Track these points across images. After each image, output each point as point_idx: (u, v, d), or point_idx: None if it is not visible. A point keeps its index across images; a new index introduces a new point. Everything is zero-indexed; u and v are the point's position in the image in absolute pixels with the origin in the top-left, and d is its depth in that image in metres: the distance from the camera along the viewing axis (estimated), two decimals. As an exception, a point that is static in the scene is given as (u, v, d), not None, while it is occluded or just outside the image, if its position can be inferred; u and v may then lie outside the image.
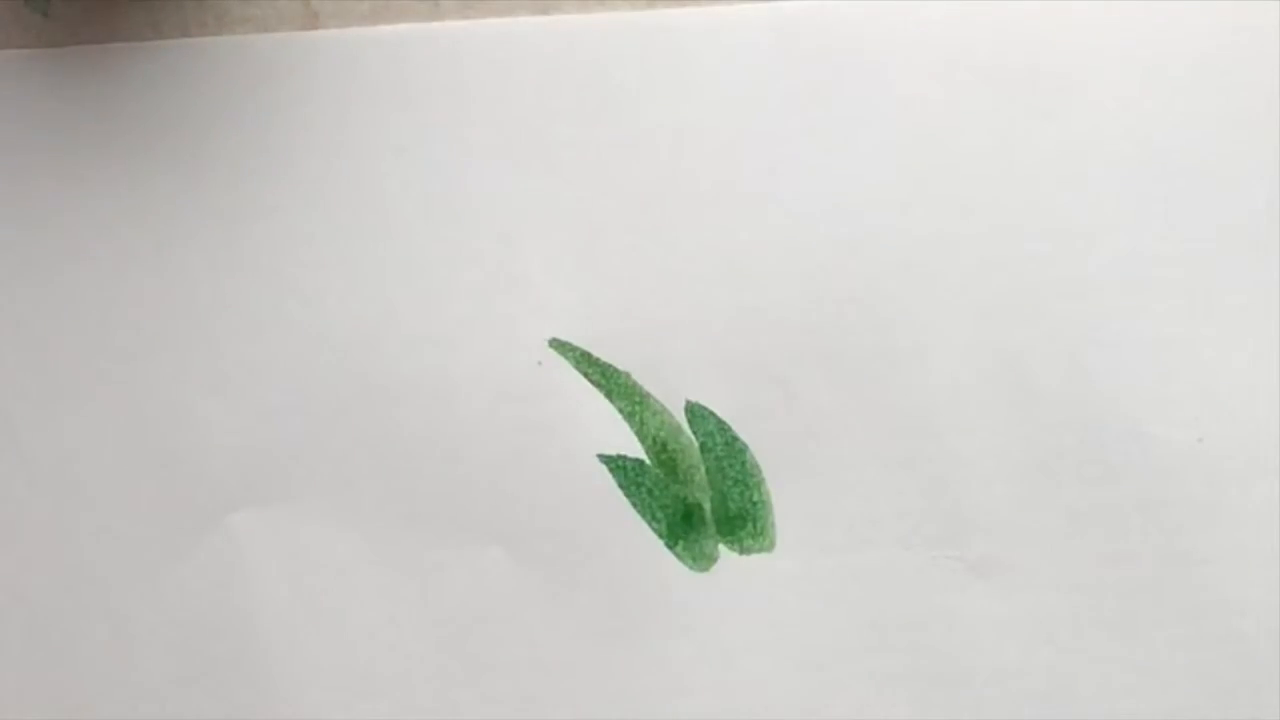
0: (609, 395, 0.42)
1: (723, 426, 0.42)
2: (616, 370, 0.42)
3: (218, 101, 0.42)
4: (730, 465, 0.42)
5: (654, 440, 0.42)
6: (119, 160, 0.42)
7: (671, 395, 0.42)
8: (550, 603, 0.42)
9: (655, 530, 0.42)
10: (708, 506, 0.42)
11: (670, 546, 0.42)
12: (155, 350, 0.43)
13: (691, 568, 0.42)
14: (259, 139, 0.42)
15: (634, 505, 0.42)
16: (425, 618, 0.42)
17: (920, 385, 0.41)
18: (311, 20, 0.42)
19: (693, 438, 0.42)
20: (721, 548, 0.42)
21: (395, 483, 0.42)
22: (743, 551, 0.42)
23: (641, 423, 0.42)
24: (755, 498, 0.42)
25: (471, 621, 0.42)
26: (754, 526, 0.42)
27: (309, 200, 0.42)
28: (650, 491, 0.42)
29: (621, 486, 0.42)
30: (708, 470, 0.42)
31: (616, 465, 0.42)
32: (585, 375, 0.42)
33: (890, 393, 0.41)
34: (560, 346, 0.42)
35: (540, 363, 0.42)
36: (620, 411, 0.42)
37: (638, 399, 0.42)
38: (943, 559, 0.41)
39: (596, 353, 0.42)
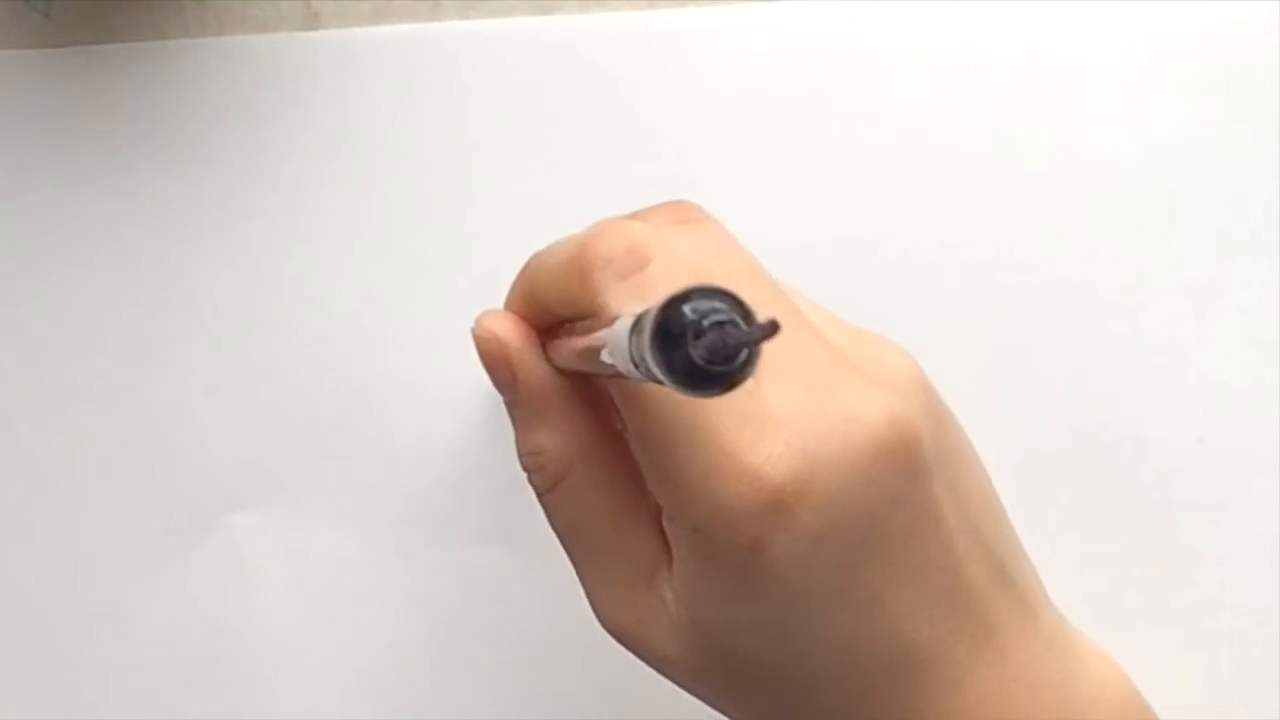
0: (609, 395, 0.42)
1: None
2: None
3: (218, 101, 0.42)
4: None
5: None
6: (119, 160, 0.42)
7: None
8: (550, 603, 0.42)
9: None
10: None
11: (670, 546, 0.42)
12: (155, 350, 0.43)
13: (692, 568, 0.42)
14: (259, 139, 0.42)
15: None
16: (425, 618, 0.42)
17: (920, 385, 0.41)
18: (311, 20, 0.42)
19: (693, 438, 0.42)
20: (722, 548, 0.42)
21: (395, 483, 0.42)
22: (743, 551, 0.42)
23: (642, 423, 0.42)
24: (755, 498, 0.42)
25: (471, 621, 0.42)
26: (754, 526, 0.42)
27: (309, 200, 0.42)
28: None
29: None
30: (708, 470, 0.42)
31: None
32: (585, 375, 0.42)
33: (890, 393, 0.41)
34: (560, 346, 0.42)
35: (540, 363, 0.42)
36: (620, 411, 0.42)
37: (638, 399, 0.42)
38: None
39: (596, 353, 0.42)
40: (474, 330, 0.32)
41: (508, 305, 0.33)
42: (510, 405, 0.33)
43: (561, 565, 0.42)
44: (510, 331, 0.32)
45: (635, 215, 0.32)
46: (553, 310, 0.31)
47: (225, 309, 0.42)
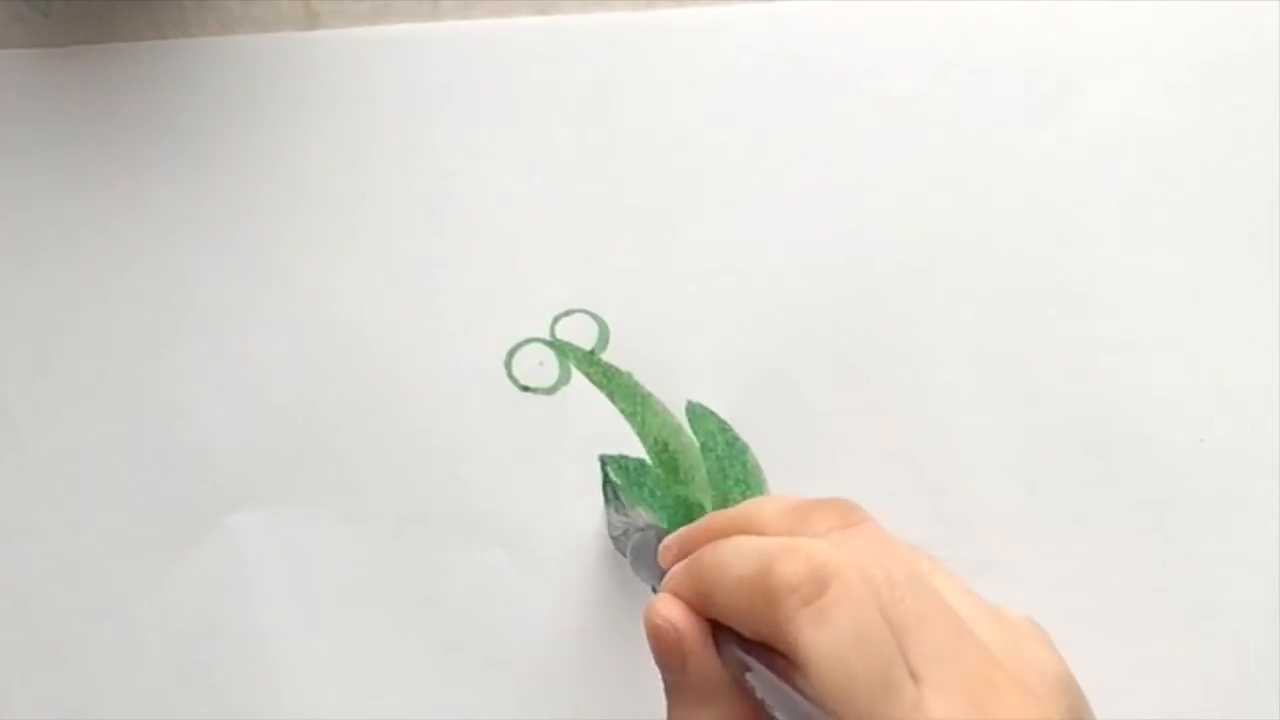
0: (611, 395, 0.42)
1: (724, 427, 0.42)
2: (618, 370, 0.42)
3: (218, 101, 0.42)
4: (731, 465, 0.42)
5: (655, 440, 0.42)
6: (119, 160, 0.42)
7: (673, 395, 0.42)
8: (550, 603, 0.42)
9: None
10: (709, 506, 0.42)
11: (671, 546, 0.42)
12: (155, 350, 0.43)
13: (692, 568, 0.42)
14: (259, 139, 0.42)
15: (635, 505, 0.42)
16: (426, 618, 0.42)
17: (921, 385, 0.41)
18: (311, 20, 0.42)
19: (694, 438, 0.42)
20: (722, 548, 0.42)
21: (396, 483, 0.42)
22: (744, 551, 0.42)
23: (643, 423, 0.42)
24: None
25: (472, 621, 0.42)
26: (755, 527, 0.42)
27: (308, 200, 0.42)
28: (652, 491, 0.42)
29: (623, 487, 0.42)
30: (709, 470, 0.42)
31: (618, 465, 0.42)
32: (587, 375, 0.42)
33: (891, 393, 0.41)
34: (561, 347, 0.42)
35: (541, 363, 0.42)
36: (622, 411, 0.42)
37: (639, 399, 0.42)
38: (943, 559, 0.41)
39: (598, 353, 0.42)
40: (651, 615, 0.34)
41: (672, 588, 0.34)
42: (671, 684, 0.34)
43: (562, 566, 0.42)
44: (687, 624, 0.33)
45: (798, 511, 0.34)
46: (732, 623, 0.32)
47: (225, 308, 0.42)
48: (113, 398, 0.43)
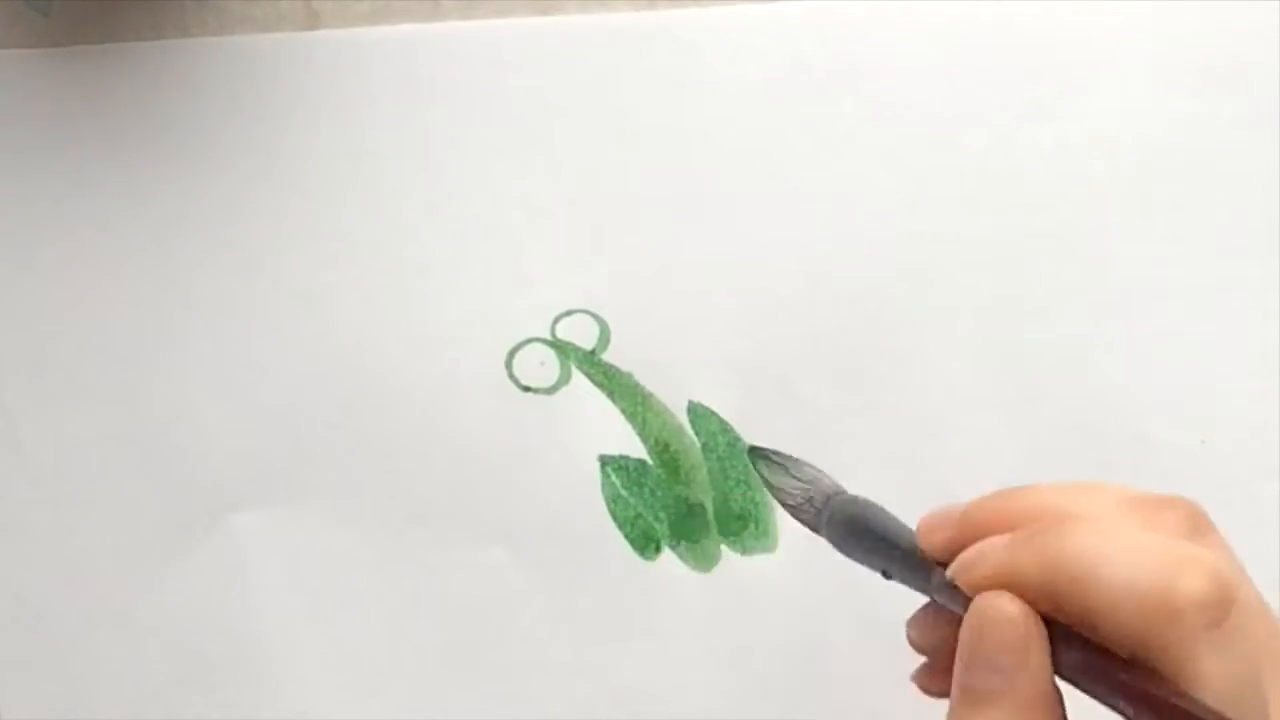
0: (612, 396, 0.42)
1: (725, 427, 0.42)
2: (619, 371, 0.42)
3: (218, 101, 0.42)
4: (732, 466, 0.42)
5: (656, 440, 0.42)
6: (119, 160, 0.42)
7: (674, 396, 0.42)
8: (550, 603, 0.42)
9: (658, 530, 0.42)
10: (710, 507, 0.42)
11: (672, 547, 0.42)
12: (155, 350, 0.43)
13: (693, 568, 0.42)
14: (259, 139, 0.42)
15: (637, 505, 0.42)
16: (426, 618, 0.42)
17: (922, 385, 0.41)
18: (312, 20, 0.42)
19: (695, 438, 0.42)
20: (723, 548, 0.42)
21: (396, 483, 0.42)
22: (745, 552, 0.42)
23: (644, 423, 0.42)
24: (758, 498, 0.42)
25: (472, 622, 0.42)
26: (756, 527, 0.42)
27: (309, 200, 0.42)
28: (652, 492, 0.42)
29: (624, 487, 0.42)
30: (710, 471, 0.42)
31: (618, 466, 0.42)
32: (588, 376, 0.42)
33: (891, 393, 0.41)
34: (562, 347, 0.42)
35: (542, 363, 0.42)
36: (623, 412, 0.42)
37: (640, 399, 0.42)
38: (944, 559, 0.41)
39: (599, 353, 0.42)
40: (992, 605, 0.29)
41: (1005, 580, 0.29)
42: (990, 693, 0.29)
43: (562, 566, 0.42)
44: (1034, 623, 0.29)
45: (1145, 507, 0.30)
46: (1103, 630, 0.28)
47: (225, 308, 0.42)
48: (112, 398, 0.43)
